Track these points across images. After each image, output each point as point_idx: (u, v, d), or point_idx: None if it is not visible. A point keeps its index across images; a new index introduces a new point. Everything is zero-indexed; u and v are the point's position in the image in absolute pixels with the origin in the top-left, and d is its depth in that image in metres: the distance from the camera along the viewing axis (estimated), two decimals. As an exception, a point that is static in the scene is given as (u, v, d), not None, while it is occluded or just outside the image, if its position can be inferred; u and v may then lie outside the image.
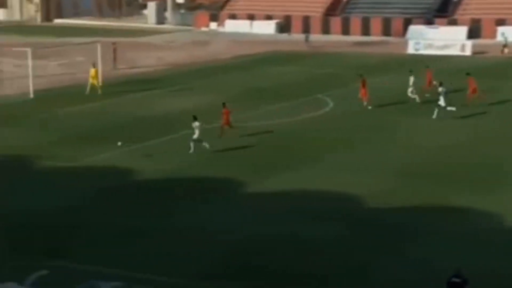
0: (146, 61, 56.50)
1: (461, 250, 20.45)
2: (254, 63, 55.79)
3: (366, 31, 71.05)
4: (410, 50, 60.48)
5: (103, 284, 18.15)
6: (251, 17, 76.21)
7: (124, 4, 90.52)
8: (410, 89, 39.88)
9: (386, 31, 70.33)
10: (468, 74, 39.61)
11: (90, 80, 42.92)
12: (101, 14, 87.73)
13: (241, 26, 75.22)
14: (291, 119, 36.50)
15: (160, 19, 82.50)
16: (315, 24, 72.93)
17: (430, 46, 60.15)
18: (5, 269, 19.05)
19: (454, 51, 59.03)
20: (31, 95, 41.63)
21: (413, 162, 28.83)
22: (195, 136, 30.08)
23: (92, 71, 43.21)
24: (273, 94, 42.76)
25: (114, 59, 52.44)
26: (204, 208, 24.03)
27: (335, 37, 69.81)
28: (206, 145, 30.08)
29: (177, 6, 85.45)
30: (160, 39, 70.11)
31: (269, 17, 75.69)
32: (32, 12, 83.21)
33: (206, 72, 51.27)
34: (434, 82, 39.96)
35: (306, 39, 64.80)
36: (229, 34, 72.94)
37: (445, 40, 61.73)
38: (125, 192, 25.74)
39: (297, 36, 69.59)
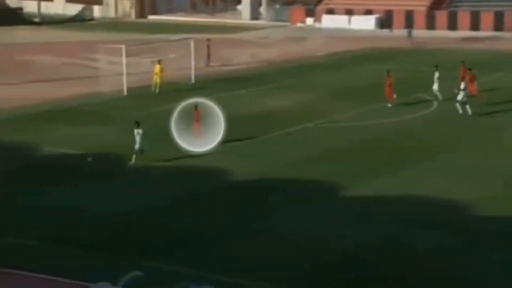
0: (239, 58, 56.75)
1: None
2: (352, 60, 55.25)
3: (475, 26, 69.32)
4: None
5: (195, 287, 18.22)
6: (349, 12, 75.53)
7: (218, 0, 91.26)
8: (435, 85, 39.25)
9: (498, 26, 68.35)
10: None
11: (155, 78, 43.25)
12: (194, 10, 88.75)
13: (338, 21, 74.62)
14: (391, 119, 35.89)
15: (255, 15, 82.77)
16: (419, 18, 71.63)
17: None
18: (99, 269, 19.37)
19: None
20: (125, 93, 42.39)
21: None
22: (137, 145, 28.72)
23: (157, 67, 43.57)
24: (371, 93, 42.17)
25: (208, 56, 52.85)
26: (300, 211, 23.84)
27: (441, 33, 68.43)
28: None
29: (272, 1, 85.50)
30: (254, 36, 70.36)
31: (368, 12, 74.83)
32: (127, 8, 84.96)
33: (301, 70, 51.08)
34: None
35: (409, 35, 63.73)
36: (326, 30, 72.52)
37: None
38: (219, 193, 25.85)
39: (398, 32, 68.54)
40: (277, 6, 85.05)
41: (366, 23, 73.49)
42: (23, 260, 20.39)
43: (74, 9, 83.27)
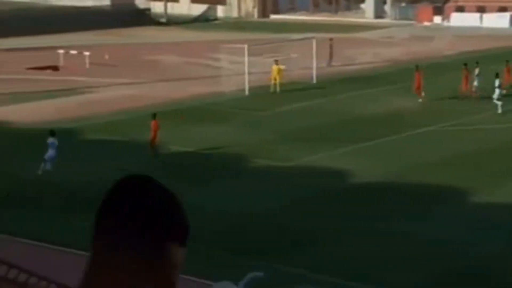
0: (362, 57, 56.40)
1: None
2: (482, 60, 53.80)
3: None
4: None
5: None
6: (481, 10, 73.55)
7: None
8: (474, 83, 38.85)
9: None
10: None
11: (274, 78, 43.47)
12: (317, 9, 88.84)
13: (469, 19, 72.83)
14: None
15: (379, 13, 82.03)
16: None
17: None
18: (221, 269, 19.77)
19: None
20: (247, 92, 42.96)
21: None
22: (47, 155, 27.57)
23: (275, 68, 43.73)
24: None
25: (330, 55, 52.81)
26: (424, 214, 23.53)
27: None
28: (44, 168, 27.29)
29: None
30: (377, 35, 69.75)
31: (503, 9, 72.58)
32: (250, 8, 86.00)
33: (427, 70, 50.16)
34: None
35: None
36: (455, 28, 70.98)
37: None
38: (341, 194, 25.84)
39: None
40: (403, 4, 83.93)
41: (499, 21, 71.33)
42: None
43: (198, 9, 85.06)
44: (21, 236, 22.44)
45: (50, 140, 28.05)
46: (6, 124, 35.21)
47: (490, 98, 37.86)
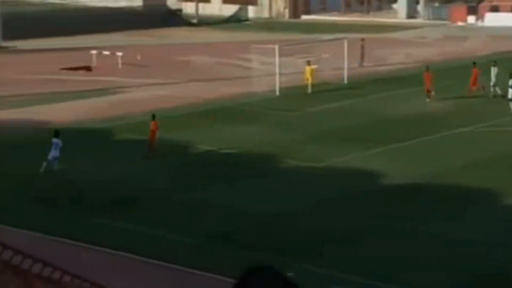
0: (393, 58, 56.32)
1: None
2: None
3: None
4: None
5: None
6: (516, 9, 73.00)
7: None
8: (491, 82, 39.07)
9: None
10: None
11: (306, 79, 43.59)
12: (349, 10, 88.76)
13: (504, 19, 72.25)
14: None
15: (411, 13, 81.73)
16: None
17: None
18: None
19: None
20: (277, 93, 43.17)
21: None
22: (51, 155, 28.08)
23: (307, 69, 43.86)
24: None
25: (362, 56, 52.83)
26: (456, 216, 23.59)
27: None
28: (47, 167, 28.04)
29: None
30: (410, 35, 69.56)
31: (540, 9, 71.98)
32: (281, 9, 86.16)
33: (460, 71, 49.99)
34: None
35: None
36: (489, 28, 70.50)
37: None
38: (369, 195, 25.96)
39: None
40: (436, 4, 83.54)
41: (534, 21, 70.72)
42: (176, 254, 21.39)
43: (230, 10, 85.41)
44: (56, 235, 22.90)
45: (55, 140, 28.46)
46: (39, 124, 35.79)
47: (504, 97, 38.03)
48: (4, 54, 57.20)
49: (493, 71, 39.96)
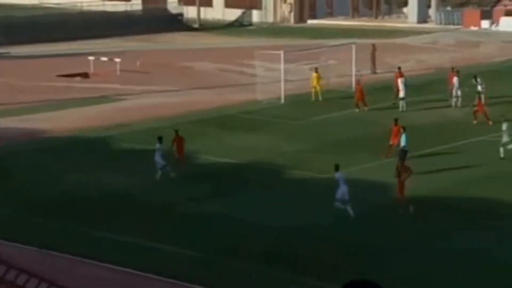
0: (405, 64, 56.32)
1: None
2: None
3: None
4: None
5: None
6: (532, 14, 73.02)
7: (382, 2, 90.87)
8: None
9: None
10: None
11: (313, 86, 43.70)
12: (357, 14, 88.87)
13: (519, 24, 72.29)
14: None
15: (422, 18, 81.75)
16: None
17: None
18: (257, 283, 20.03)
19: None
20: (282, 101, 43.21)
21: None
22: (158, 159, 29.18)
23: (314, 76, 43.96)
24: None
25: (373, 62, 52.79)
26: (477, 230, 23.67)
27: None
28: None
29: (442, 2, 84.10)
30: (421, 40, 69.63)
31: (556, 13, 71.99)
32: (286, 13, 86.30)
33: (470, 77, 50.00)
34: None
35: None
36: (504, 33, 70.51)
37: None
38: (386, 208, 25.89)
39: None
40: (448, 8, 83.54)
41: (550, 26, 70.75)
42: (182, 268, 21.43)
43: (233, 14, 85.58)
44: (52, 249, 22.92)
45: (158, 146, 29.35)
46: (34, 133, 35.87)
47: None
48: (-3, 60, 57.40)
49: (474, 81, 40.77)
